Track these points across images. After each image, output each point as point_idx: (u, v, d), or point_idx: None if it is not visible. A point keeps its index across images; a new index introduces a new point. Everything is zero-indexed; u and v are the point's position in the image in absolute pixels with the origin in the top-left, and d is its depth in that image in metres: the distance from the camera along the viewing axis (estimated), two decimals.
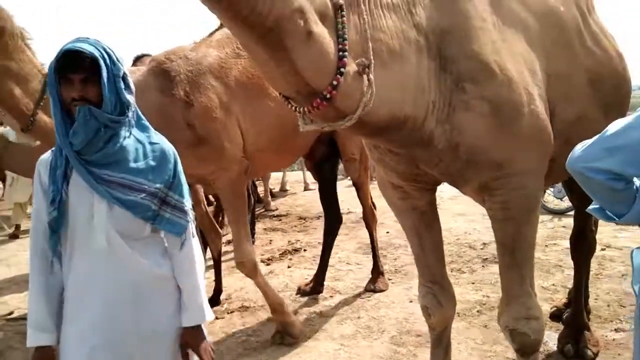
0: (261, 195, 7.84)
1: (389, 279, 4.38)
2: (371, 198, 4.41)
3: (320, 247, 5.50)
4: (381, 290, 4.18)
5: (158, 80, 3.09)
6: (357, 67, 1.53)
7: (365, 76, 1.54)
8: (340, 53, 1.48)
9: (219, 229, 4.46)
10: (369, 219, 4.40)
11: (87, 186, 1.56)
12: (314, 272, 4.78)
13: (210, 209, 5.94)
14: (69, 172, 1.58)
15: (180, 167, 1.72)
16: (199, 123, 3.06)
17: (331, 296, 4.20)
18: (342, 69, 1.48)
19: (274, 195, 8.48)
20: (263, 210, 7.65)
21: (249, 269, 3.35)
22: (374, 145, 2.07)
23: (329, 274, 4.68)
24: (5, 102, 2.69)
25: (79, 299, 1.59)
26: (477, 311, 3.72)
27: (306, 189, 8.94)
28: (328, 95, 1.49)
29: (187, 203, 1.71)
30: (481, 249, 5.15)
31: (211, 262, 4.46)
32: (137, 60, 5.45)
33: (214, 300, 4.23)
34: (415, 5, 1.75)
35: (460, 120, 1.79)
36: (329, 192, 4.43)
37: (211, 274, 4.46)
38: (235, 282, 4.72)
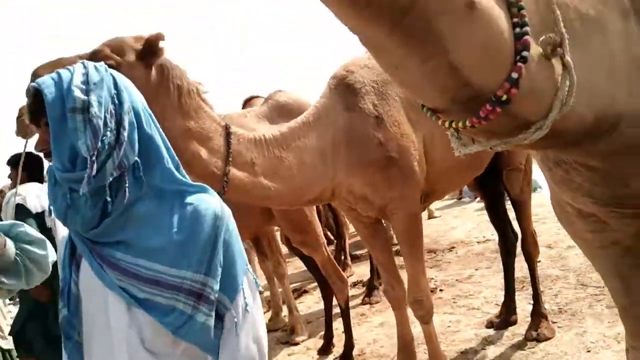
0: None
1: (554, 322, 3.59)
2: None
3: (459, 286, 4.87)
4: (547, 338, 3.40)
5: (343, 97, 2.76)
6: (542, 47, 1.00)
7: (557, 60, 1.00)
8: (518, 29, 0.96)
9: (343, 274, 4.02)
10: (530, 247, 3.64)
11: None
12: (456, 317, 4.13)
13: (330, 249, 5.57)
14: (77, 256, 1.16)
15: (228, 236, 1.17)
16: (389, 140, 2.70)
17: (483, 348, 3.52)
18: (523, 53, 0.95)
19: None
20: None
21: (427, 310, 2.87)
22: (557, 161, 1.48)
23: (474, 318, 4.01)
24: (193, 166, 2.37)
25: None
26: None
27: (430, 216, 8.25)
28: (504, 97, 0.97)
29: (238, 292, 1.17)
30: None
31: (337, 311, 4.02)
32: (247, 102, 5.32)
33: (346, 358, 3.76)
34: None
35: None
36: (500, 208, 3.89)
37: (339, 324, 4.02)
38: (366, 333, 4.22)
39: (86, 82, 1.11)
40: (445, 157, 2.85)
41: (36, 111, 1.16)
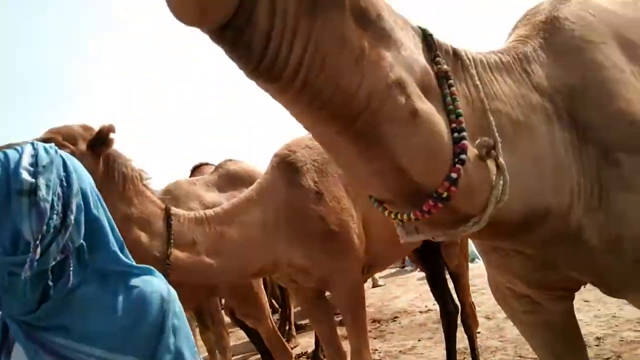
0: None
1: None
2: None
3: (402, 357, 4.86)
4: None
5: (285, 174, 2.89)
6: (478, 150, 1.11)
7: (491, 161, 1.11)
8: (456, 134, 1.07)
9: (287, 346, 3.93)
10: (469, 319, 3.76)
11: None
12: None
13: (275, 318, 5.45)
14: (10, 339, 1.09)
15: (176, 319, 1.14)
16: (329, 214, 2.82)
17: None
18: (461, 156, 1.05)
19: None
20: None
21: None
22: (493, 247, 1.58)
23: None
24: (135, 252, 2.35)
25: None
26: None
27: (375, 285, 8.29)
28: (445, 194, 1.05)
29: None
30: (596, 345, 4.32)
31: None
32: (196, 169, 5.28)
33: None
34: (530, 63, 1.35)
35: (619, 204, 1.31)
36: (440, 280, 4.01)
37: None
38: None
39: (35, 164, 1.08)
40: (384, 230, 2.97)
41: None
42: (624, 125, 1.31)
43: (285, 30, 0.86)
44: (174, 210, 2.64)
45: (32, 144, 1.16)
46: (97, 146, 2.39)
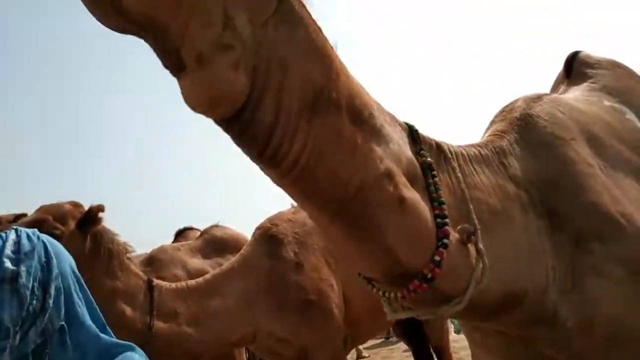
0: None
1: None
2: None
3: None
4: None
5: (266, 246, 3.01)
6: (459, 235, 1.20)
7: (471, 246, 1.21)
8: (439, 220, 1.17)
9: None
10: None
11: None
12: None
13: None
14: None
15: None
16: (309, 284, 2.90)
17: None
18: (444, 240, 1.15)
19: None
20: None
21: None
22: (475, 326, 1.65)
23: None
24: (120, 326, 2.39)
25: None
26: None
27: (359, 357, 8.13)
28: (429, 275, 1.14)
29: None
30: None
31: None
32: (180, 234, 5.29)
33: None
34: (506, 156, 1.48)
35: (592, 289, 1.40)
36: (425, 355, 4.02)
37: None
38: None
39: (17, 251, 1.13)
40: (365, 301, 3.03)
41: None
42: (594, 216, 1.43)
43: (288, 127, 0.97)
44: (156, 282, 2.72)
45: (16, 230, 1.20)
46: (86, 225, 2.51)
